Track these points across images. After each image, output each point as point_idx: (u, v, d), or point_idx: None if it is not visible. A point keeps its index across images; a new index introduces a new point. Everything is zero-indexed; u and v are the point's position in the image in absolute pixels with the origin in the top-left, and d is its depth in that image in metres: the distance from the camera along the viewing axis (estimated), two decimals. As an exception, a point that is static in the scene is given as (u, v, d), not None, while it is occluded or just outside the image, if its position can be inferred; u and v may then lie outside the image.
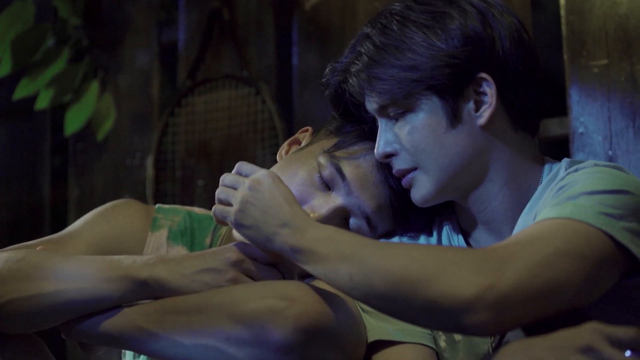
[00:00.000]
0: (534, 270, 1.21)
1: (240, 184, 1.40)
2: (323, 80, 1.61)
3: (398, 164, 1.51)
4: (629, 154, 2.13)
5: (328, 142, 1.62)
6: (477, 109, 1.47)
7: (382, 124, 1.52)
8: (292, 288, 1.35)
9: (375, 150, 1.53)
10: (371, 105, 1.52)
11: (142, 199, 2.70)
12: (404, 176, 1.51)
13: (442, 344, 1.51)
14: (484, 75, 1.45)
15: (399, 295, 1.23)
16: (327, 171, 1.57)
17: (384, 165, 1.56)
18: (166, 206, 1.74)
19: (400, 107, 1.48)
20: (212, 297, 1.36)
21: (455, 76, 1.45)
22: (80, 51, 2.92)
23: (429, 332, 1.50)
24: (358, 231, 1.57)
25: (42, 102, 2.83)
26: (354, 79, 1.52)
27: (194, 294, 1.37)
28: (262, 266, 1.40)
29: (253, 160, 2.69)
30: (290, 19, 2.76)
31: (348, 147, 1.60)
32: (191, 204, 2.62)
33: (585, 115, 2.18)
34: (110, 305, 1.40)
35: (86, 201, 2.94)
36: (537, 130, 1.56)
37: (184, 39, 2.90)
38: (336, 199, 1.57)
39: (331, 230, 1.35)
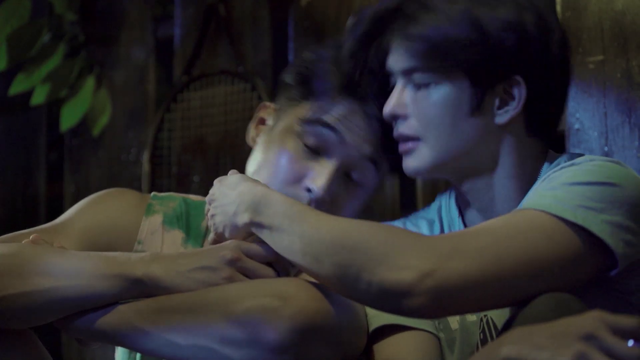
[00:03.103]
0: (478, 262, 1.22)
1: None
2: (352, 21, 1.56)
3: (403, 129, 1.49)
4: (624, 150, 2.12)
5: (301, 110, 1.60)
6: (500, 107, 1.45)
7: (400, 84, 1.49)
8: (288, 286, 1.33)
9: (384, 107, 1.50)
10: (398, 63, 1.49)
11: (137, 194, 2.70)
12: (403, 141, 1.50)
13: (440, 334, 1.50)
14: (519, 79, 1.43)
15: (346, 277, 1.25)
16: (312, 136, 1.56)
17: (361, 104, 1.55)
18: (161, 194, 1.74)
19: (428, 77, 1.46)
20: (207, 295, 1.35)
21: (494, 69, 1.43)
22: (76, 47, 2.92)
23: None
24: (364, 180, 1.57)
25: (38, 98, 2.82)
26: (397, 31, 1.48)
27: (189, 292, 1.36)
28: (257, 264, 1.39)
29: (248, 156, 2.68)
30: (286, 15, 2.75)
31: (320, 104, 1.57)
32: (187, 199, 2.62)
33: (581, 112, 2.18)
34: (105, 303, 1.39)
35: (82, 197, 2.88)
36: (549, 138, 1.53)
37: (180, 34, 2.89)
38: (331, 159, 1.56)
39: (285, 205, 1.36)
